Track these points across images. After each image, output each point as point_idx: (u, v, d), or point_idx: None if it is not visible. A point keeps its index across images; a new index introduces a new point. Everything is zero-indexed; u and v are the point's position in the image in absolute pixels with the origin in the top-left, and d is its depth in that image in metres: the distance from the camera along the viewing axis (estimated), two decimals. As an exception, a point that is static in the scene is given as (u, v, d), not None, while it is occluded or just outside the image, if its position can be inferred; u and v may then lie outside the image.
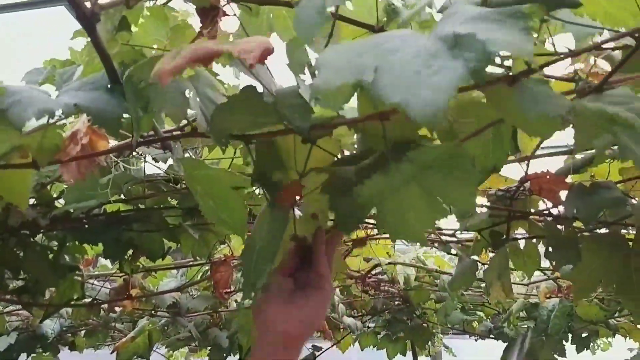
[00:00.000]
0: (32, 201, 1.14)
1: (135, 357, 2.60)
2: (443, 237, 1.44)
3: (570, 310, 1.98)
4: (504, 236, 1.16)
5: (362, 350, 2.99)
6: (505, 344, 2.53)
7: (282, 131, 0.62)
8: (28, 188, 0.84)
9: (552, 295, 1.93)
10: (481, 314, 2.56)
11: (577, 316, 2.04)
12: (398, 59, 0.40)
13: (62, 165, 0.73)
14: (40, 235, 1.30)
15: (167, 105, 0.67)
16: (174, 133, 0.76)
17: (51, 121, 0.67)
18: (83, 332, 3.06)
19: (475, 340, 3.12)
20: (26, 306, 1.37)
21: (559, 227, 1.11)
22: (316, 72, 0.42)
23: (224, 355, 2.61)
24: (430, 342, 3.04)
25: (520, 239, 1.21)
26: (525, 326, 2.39)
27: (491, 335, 2.71)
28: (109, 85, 0.66)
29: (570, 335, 2.52)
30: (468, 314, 2.42)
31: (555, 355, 2.56)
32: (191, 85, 0.70)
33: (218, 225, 0.83)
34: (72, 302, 1.42)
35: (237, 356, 2.47)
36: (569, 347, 2.57)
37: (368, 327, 2.77)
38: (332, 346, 2.62)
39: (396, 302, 2.56)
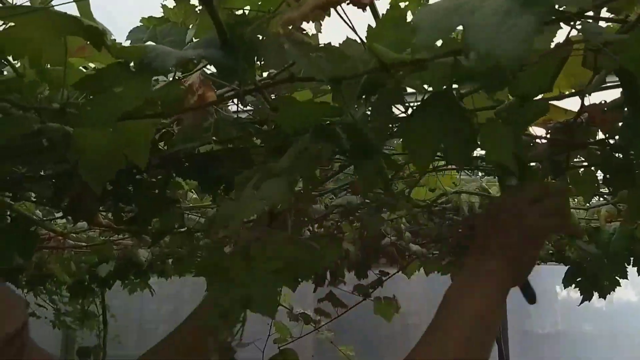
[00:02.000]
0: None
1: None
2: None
3: (631, 233, 2.04)
4: (564, 165, 1.24)
5: (427, 275, 3.09)
6: (567, 267, 2.61)
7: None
8: (148, 141, 0.97)
9: (613, 220, 1.99)
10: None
11: (638, 240, 2.09)
12: (478, 17, 0.48)
13: (182, 113, 0.89)
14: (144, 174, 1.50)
15: (271, 58, 0.82)
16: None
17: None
18: (171, 260, 3.36)
19: (538, 264, 3.20)
20: (135, 234, 1.58)
21: (617, 155, 1.19)
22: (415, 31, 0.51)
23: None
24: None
25: (578, 167, 1.28)
26: (587, 250, 2.46)
27: (553, 259, 2.78)
28: (220, 44, 0.81)
29: (632, 259, 2.56)
30: (530, 239, 2.50)
31: (617, 277, 2.63)
32: (287, 40, 0.83)
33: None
34: (174, 231, 1.63)
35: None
36: (631, 270, 2.62)
37: (433, 254, 2.88)
38: (397, 272, 2.73)
39: (460, 230, 2.67)
